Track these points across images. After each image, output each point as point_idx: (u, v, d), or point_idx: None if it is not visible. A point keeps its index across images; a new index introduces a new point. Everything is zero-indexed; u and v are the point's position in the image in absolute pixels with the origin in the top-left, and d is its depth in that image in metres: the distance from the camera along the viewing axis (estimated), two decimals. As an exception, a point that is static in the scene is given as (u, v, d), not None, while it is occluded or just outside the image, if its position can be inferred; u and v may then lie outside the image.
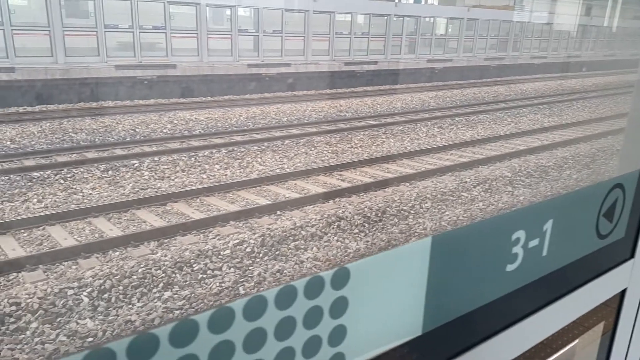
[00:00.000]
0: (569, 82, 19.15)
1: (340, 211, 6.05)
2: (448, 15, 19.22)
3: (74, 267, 4.52)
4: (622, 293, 1.25)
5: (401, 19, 17.42)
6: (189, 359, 0.53)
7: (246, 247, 5.02)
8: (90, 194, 6.13)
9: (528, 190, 7.41)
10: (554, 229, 0.93)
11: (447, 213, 6.40)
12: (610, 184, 1.07)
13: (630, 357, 1.33)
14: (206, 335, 0.52)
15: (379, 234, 5.78)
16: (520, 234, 0.86)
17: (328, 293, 0.62)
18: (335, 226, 5.76)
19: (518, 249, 0.86)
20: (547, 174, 8.02)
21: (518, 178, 7.71)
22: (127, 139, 8.34)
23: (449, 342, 0.79)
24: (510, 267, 0.86)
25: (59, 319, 3.82)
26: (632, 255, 1.24)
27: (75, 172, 6.79)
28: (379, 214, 6.19)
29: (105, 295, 4.17)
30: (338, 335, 0.64)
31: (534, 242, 0.89)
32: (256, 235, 5.26)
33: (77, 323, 3.81)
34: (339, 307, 0.63)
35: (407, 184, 7.33)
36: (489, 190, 7.15)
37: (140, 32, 11.66)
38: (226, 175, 7.12)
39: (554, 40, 21.48)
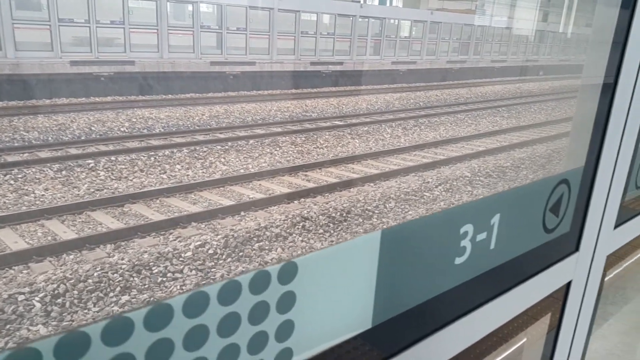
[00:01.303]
0: (527, 85, 19.81)
1: (305, 211, 6.04)
2: (412, 17, 19.52)
3: (25, 271, 4.33)
4: (568, 285, 1.30)
5: (366, 20, 17.58)
6: (125, 359, 0.51)
7: (209, 249, 4.94)
8: (43, 195, 5.90)
9: (486, 190, 7.61)
10: (502, 223, 0.95)
11: (410, 212, 6.50)
12: (556, 179, 1.11)
13: (575, 345, 1.39)
14: (142, 334, 0.50)
15: (343, 233, 5.81)
16: (469, 228, 0.88)
17: (275, 288, 0.61)
18: (300, 226, 5.75)
19: (466, 243, 0.88)
20: (504, 174, 8.25)
21: (477, 178, 7.91)
22: (82, 138, 8.06)
23: (399, 334, 0.80)
24: (458, 260, 0.87)
25: (8, 326, 3.65)
26: (577, 249, 1.29)
27: (27, 172, 6.51)
28: (344, 214, 6.22)
29: (59, 300, 4.01)
30: (285, 330, 0.63)
31: (481, 236, 0.91)
32: (219, 236, 5.18)
33: (29, 330, 3.65)
34: (287, 302, 0.62)
35: (372, 184, 7.39)
36: (450, 190, 7.30)
37: (97, 27, 11.31)
38: (188, 175, 6.99)
39: (513, 45, 22.17)
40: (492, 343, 1.06)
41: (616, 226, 1.53)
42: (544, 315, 1.26)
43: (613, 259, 1.69)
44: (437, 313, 0.88)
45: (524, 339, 1.34)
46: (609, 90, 1.22)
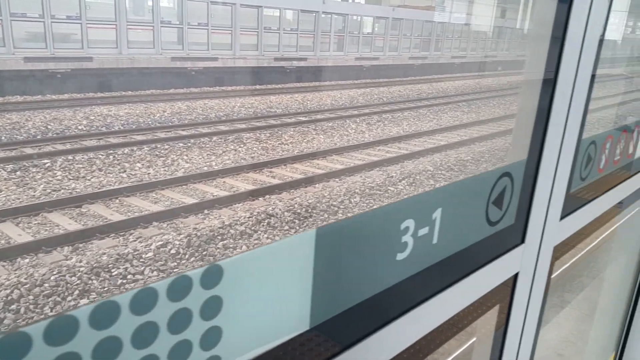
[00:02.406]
0: (486, 81, 20.27)
1: (270, 208, 6.00)
2: (374, 14, 19.67)
3: (-24, 276, 4.15)
4: (515, 277, 1.31)
5: (329, 16, 17.60)
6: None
7: (171, 249, 4.85)
8: (-4, 196, 5.67)
9: (448, 182, 7.75)
10: (444, 217, 0.95)
11: (374, 207, 6.55)
12: (498, 173, 1.12)
13: (525, 334, 1.42)
14: (43, 350, 0.47)
15: (309, 230, 5.80)
16: (410, 223, 0.87)
17: (197, 293, 0.58)
18: (265, 223, 5.70)
19: (408, 238, 0.87)
20: (465, 167, 8.43)
21: (439, 172, 8.04)
22: (38, 137, 7.78)
23: (340, 334, 0.79)
24: (400, 256, 0.86)
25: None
26: (522, 241, 1.31)
27: (-22, 173, 6.25)
28: (309, 210, 6.21)
29: (13, 307, 3.87)
30: (212, 337, 0.60)
31: (423, 231, 0.90)
32: (182, 235, 5.09)
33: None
34: (212, 307, 0.60)
35: (337, 179, 7.41)
36: (413, 184, 7.40)
37: (52, 22, 10.91)
38: (149, 174, 6.84)
39: (472, 41, 22.64)
40: (441, 337, 1.07)
41: (562, 217, 1.56)
42: (492, 307, 1.28)
43: (563, 249, 1.73)
44: (380, 310, 0.87)
45: (474, 331, 1.37)
46: (550, 84, 1.24)
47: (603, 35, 1.43)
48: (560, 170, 1.40)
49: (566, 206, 1.53)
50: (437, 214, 0.94)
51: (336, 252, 0.77)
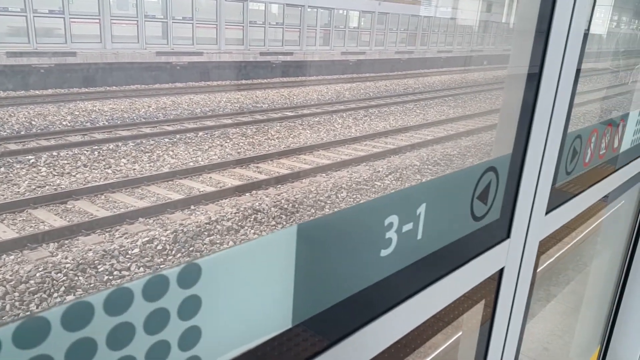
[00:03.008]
0: (472, 75, 20.38)
1: (257, 204, 5.98)
2: (360, 8, 19.62)
3: (-41, 275, 4.09)
4: (501, 271, 1.31)
5: (315, 10, 17.52)
6: None
7: (157, 245, 4.81)
8: (-22, 193, 5.58)
9: (435, 177, 7.78)
10: (428, 213, 0.94)
11: (362, 202, 6.56)
12: (483, 167, 1.12)
13: (511, 327, 1.42)
14: (13, 353, 0.45)
15: (289, 226, 5.79)
16: (393, 219, 0.86)
17: (175, 292, 0.57)
18: (252, 219, 5.68)
19: (392, 234, 0.86)
20: (452, 162, 8.47)
21: (426, 167, 8.07)
22: (22, 133, 7.65)
23: (323, 332, 0.78)
24: (384, 252, 0.85)
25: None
26: (508, 236, 1.30)
27: (-40, 169, 6.14)
28: (296, 205, 6.20)
29: (-2, 304, 3.81)
30: (191, 337, 0.59)
31: (407, 227, 0.90)
32: (168, 231, 5.05)
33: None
34: (190, 307, 0.58)
35: (324, 174, 7.41)
36: (400, 179, 7.42)
37: (34, 16, 10.71)
38: (134, 169, 6.77)
39: (458, 35, 22.73)
40: (427, 332, 1.06)
41: (547, 212, 1.57)
42: (478, 302, 1.28)
43: (548, 243, 1.74)
44: (365, 307, 0.86)
45: (460, 326, 1.37)
46: (535, 78, 1.24)
47: (588, 29, 1.43)
48: (546, 164, 1.40)
49: (552, 200, 1.54)
50: (422, 210, 0.93)
51: (319, 248, 0.76)
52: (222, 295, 0.61)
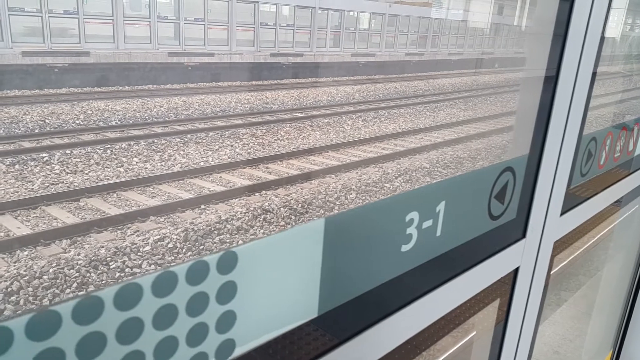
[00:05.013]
0: (483, 78, 20.29)
1: (266, 204, 6.01)
2: (371, 10, 19.63)
3: (-25, 269, 4.15)
4: (516, 271, 1.33)
5: (326, 12, 17.56)
6: (53, 353, 0.49)
7: (168, 243, 4.85)
8: (-6, 190, 5.66)
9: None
10: (447, 210, 0.97)
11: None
12: (501, 167, 1.14)
13: (525, 328, 1.44)
14: (71, 327, 0.48)
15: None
16: (414, 215, 0.89)
17: (214, 278, 0.60)
18: (261, 219, 5.71)
19: (412, 230, 0.89)
20: (462, 165, 8.45)
21: (435, 169, 8.06)
22: (36, 131, 7.75)
23: (346, 322, 0.80)
24: (405, 248, 0.88)
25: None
26: (523, 235, 1.32)
27: (-24, 166, 6.23)
28: (305, 206, 6.22)
29: (13, 298, 3.87)
30: (227, 321, 0.62)
31: (427, 223, 0.92)
32: (179, 230, 5.09)
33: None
34: (227, 292, 0.61)
35: (333, 175, 7.42)
36: (410, 181, 7.42)
37: (49, 16, 10.85)
38: (146, 168, 6.83)
39: (469, 37, 22.66)
40: (442, 330, 1.08)
41: (562, 213, 1.58)
42: (493, 301, 1.29)
43: (561, 246, 1.75)
44: (385, 301, 0.89)
45: (474, 325, 1.38)
46: (551, 81, 1.26)
47: (603, 32, 1.45)
48: (562, 166, 1.42)
49: (567, 201, 1.55)
50: (441, 207, 0.95)
51: (344, 240, 0.78)
52: (255, 282, 0.64)
